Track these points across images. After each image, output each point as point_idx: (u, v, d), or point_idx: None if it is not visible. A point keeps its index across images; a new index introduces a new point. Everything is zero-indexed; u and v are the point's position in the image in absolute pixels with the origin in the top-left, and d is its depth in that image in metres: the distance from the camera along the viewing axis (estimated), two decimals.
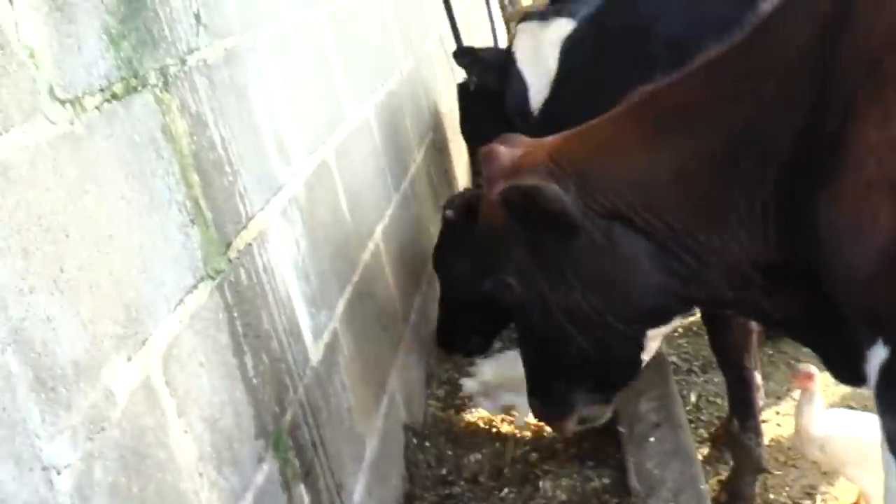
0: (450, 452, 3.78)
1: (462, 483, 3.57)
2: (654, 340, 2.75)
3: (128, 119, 2.03)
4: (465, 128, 6.14)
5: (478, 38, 8.62)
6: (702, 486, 2.92)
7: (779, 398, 4.47)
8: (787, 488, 3.87)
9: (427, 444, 3.78)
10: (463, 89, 5.83)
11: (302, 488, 2.54)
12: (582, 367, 2.79)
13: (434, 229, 5.26)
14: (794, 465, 4.01)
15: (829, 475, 3.88)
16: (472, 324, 4.23)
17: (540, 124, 3.97)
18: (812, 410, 3.37)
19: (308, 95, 3.39)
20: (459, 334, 4.34)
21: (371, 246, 3.86)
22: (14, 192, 1.58)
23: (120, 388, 1.78)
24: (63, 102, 1.80)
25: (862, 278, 2.10)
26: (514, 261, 2.69)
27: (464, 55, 5.39)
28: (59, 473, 1.55)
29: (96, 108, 1.91)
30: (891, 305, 2.09)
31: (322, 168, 3.36)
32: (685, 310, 2.72)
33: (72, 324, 1.67)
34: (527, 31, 4.95)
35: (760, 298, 2.42)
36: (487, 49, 5.78)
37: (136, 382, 1.84)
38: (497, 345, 4.51)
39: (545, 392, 2.96)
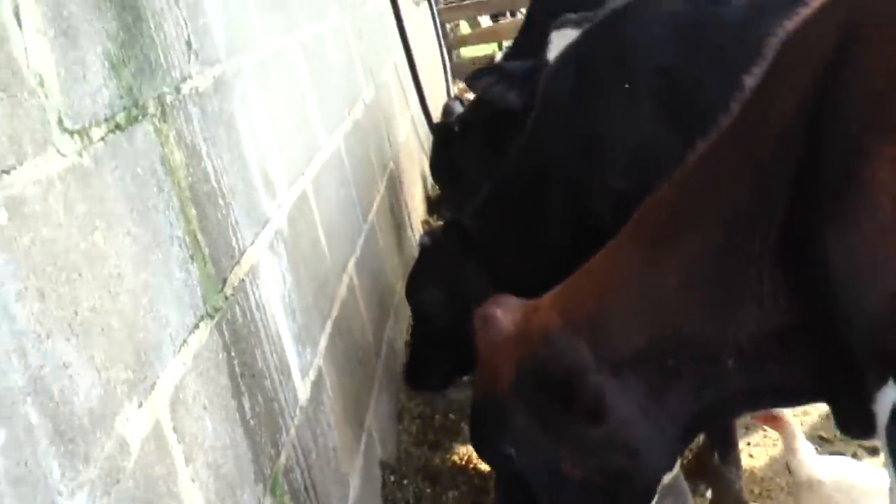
0: (428, 490, 3.69)
1: None
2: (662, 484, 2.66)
3: (131, 151, 1.93)
4: (440, 172, 6.07)
5: (426, 65, 8.60)
6: None
7: (747, 429, 4.45)
8: None
9: (405, 481, 3.68)
10: (444, 130, 5.77)
11: None
12: None
13: (398, 261, 5.19)
14: (769, 496, 3.97)
15: None
16: (443, 357, 4.13)
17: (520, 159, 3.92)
18: (796, 454, 3.31)
19: (287, 124, 3.31)
20: (429, 368, 4.24)
21: (346, 279, 3.77)
22: (29, 230, 1.48)
23: (133, 436, 1.67)
24: (72, 133, 1.70)
25: (875, 320, 2.08)
26: (515, 430, 2.50)
27: (489, 73, 5.04)
28: None
29: (102, 139, 1.81)
30: None
31: (302, 200, 3.27)
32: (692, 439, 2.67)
33: (87, 370, 1.56)
34: (563, 36, 4.81)
35: (777, 371, 2.36)
36: (512, 63, 5.36)
37: (147, 430, 1.73)
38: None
39: None
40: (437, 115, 6.70)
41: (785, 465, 4.08)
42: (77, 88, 1.75)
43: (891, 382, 2.14)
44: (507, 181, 3.96)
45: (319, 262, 3.33)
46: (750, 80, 2.32)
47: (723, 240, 2.27)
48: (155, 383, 1.80)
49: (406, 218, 6.03)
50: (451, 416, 4.34)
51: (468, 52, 14.72)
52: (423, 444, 4.11)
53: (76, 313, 1.56)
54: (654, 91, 3.39)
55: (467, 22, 15.76)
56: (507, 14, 15.64)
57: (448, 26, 15.14)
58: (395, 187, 5.83)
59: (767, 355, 2.34)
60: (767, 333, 2.31)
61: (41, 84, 1.62)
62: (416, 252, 5.79)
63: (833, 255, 2.09)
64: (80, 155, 1.71)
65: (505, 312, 2.60)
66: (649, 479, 2.54)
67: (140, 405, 1.72)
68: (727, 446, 3.76)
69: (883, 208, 2.03)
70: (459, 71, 11.57)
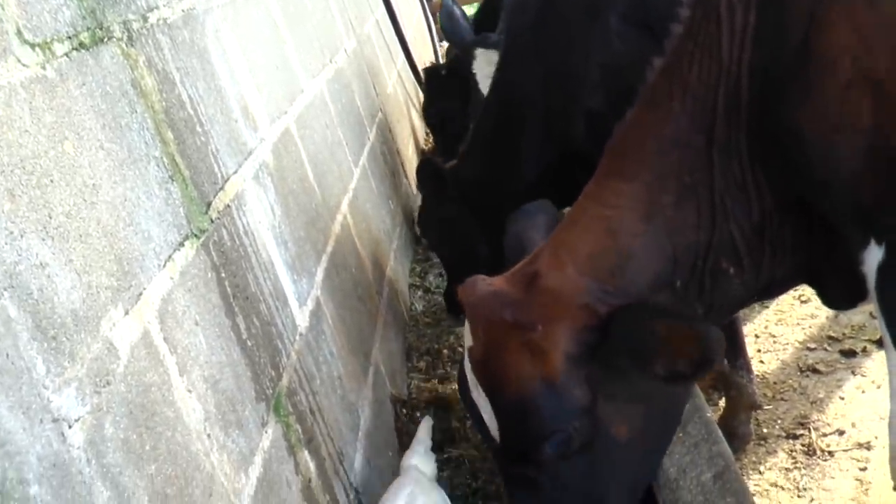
0: (440, 420, 3.68)
1: (457, 447, 3.49)
2: None
3: (98, 69, 1.92)
4: (430, 116, 6.12)
5: (409, 24, 8.55)
6: (708, 414, 2.85)
7: (757, 336, 4.45)
8: (779, 420, 3.84)
9: (417, 414, 3.68)
10: (431, 75, 5.80)
11: (306, 454, 2.43)
12: None
13: (394, 207, 5.19)
14: (782, 398, 3.97)
15: (818, 404, 3.86)
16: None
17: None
18: None
19: (264, 64, 3.28)
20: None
21: (339, 218, 3.76)
22: None
23: (120, 341, 1.67)
24: (33, 46, 1.68)
25: (850, 178, 2.10)
26: (571, 408, 2.21)
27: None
28: (69, 427, 1.44)
29: (66, 55, 1.80)
30: (879, 200, 2.09)
31: (286, 136, 3.25)
32: None
33: (65, 272, 1.56)
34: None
35: (769, 259, 2.36)
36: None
37: (135, 337, 1.73)
38: None
39: None
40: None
41: (796, 367, 4.11)
42: (35, 4, 1.74)
43: (873, 242, 2.15)
44: (484, 120, 4.00)
45: (309, 197, 3.32)
46: None
47: (704, 143, 2.26)
48: (141, 294, 1.80)
49: (399, 167, 6.01)
50: (460, 348, 4.34)
51: None
52: (433, 378, 4.10)
53: (50, 217, 1.56)
54: (617, 4, 3.39)
55: None
56: None
57: None
58: (385, 136, 5.81)
59: (759, 246, 2.34)
60: (757, 224, 2.31)
61: None
62: (411, 200, 5.82)
63: (802, 124, 2.10)
64: (44, 67, 1.70)
65: (496, 279, 2.40)
66: (681, 411, 2.53)
67: (126, 312, 1.72)
68: (736, 352, 3.76)
69: (842, 67, 2.04)
70: None
